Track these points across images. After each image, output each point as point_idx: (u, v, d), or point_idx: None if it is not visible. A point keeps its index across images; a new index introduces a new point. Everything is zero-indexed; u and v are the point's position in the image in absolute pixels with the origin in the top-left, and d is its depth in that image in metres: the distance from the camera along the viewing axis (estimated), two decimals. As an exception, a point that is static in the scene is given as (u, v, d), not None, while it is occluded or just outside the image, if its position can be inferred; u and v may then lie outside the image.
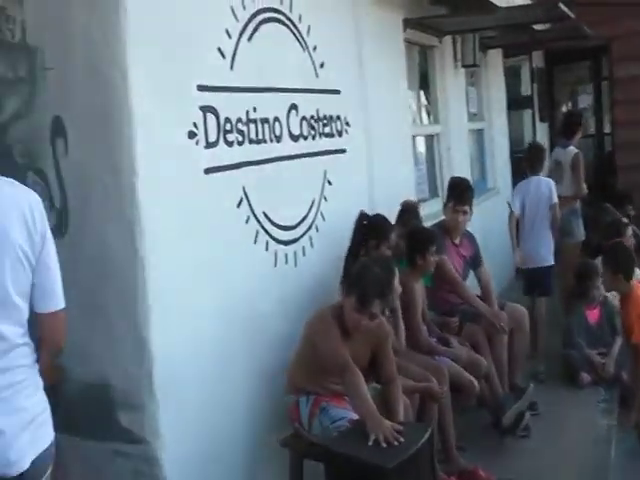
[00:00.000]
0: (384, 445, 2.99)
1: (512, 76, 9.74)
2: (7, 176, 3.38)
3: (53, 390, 2.42)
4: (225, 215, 3.46)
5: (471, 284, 5.12)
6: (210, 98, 3.33)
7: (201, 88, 3.28)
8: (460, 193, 5.02)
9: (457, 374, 4.17)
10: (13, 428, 2.10)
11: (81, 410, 3.27)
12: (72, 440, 3.26)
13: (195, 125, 3.25)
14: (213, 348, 3.34)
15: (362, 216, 4.19)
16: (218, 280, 3.38)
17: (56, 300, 2.22)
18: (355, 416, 3.26)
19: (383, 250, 4.07)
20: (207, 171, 3.32)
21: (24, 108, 3.34)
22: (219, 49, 3.43)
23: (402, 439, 3.01)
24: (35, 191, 3.26)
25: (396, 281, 3.55)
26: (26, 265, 2.11)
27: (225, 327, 3.41)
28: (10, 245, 2.06)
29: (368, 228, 4.12)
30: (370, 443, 3.01)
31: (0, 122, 3.48)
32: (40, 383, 2.27)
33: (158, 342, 3.03)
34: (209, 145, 3.33)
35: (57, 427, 3.21)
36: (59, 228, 3.23)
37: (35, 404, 2.21)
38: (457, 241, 5.06)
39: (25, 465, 2.13)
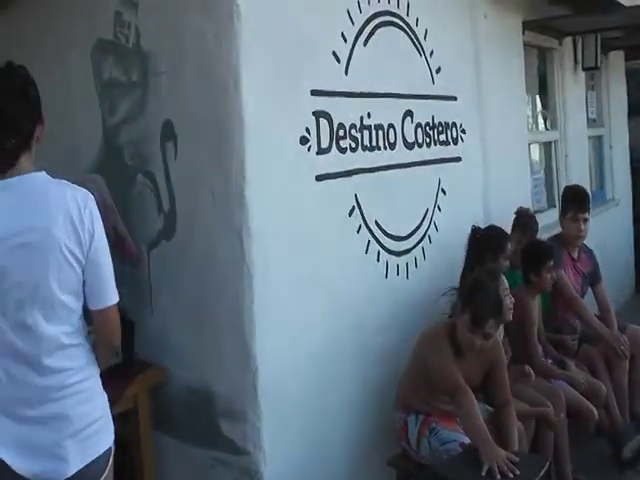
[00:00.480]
0: (498, 477, 2.80)
1: (633, 80, 9.22)
2: (116, 177, 3.46)
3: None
4: (336, 224, 3.35)
5: (587, 302, 4.81)
6: (324, 103, 3.23)
7: (315, 93, 3.18)
8: (580, 200, 4.73)
9: (575, 400, 3.90)
10: (60, 433, 2.10)
11: (183, 414, 3.27)
12: (173, 442, 3.28)
13: (308, 130, 3.15)
14: (320, 360, 3.24)
15: (475, 231, 3.98)
16: (326, 289, 3.28)
17: (106, 296, 2.20)
18: (466, 439, 3.09)
19: (500, 261, 3.85)
20: (319, 178, 3.21)
21: (136, 111, 3.34)
22: (334, 53, 3.31)
23: (517, 471, 2.82)
24: (143, 193, 3.32)
25: (507, 297, 3.34)
26: (74, 264, 2.09)
27: (333, 339, 3.31)
28: (54, 244, 2.05)
29: (483, 241, 3.90)
30: (483, 473, 2.83)
31: (112, 124, 3.51)
32: (98, 388, 2.25)
33: (263, 352, 2.96)
34: (321, 151, 3.22)
35: (157, 427, 3.27)
36: (167, 231, 3.22)
37: (89, 411, 2.18)
38: (575, 255, 4.75)
39: (70, 471, 2.12)
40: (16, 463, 2.06)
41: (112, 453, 2.27)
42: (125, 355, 3.21)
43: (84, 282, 2.15)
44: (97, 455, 2.19)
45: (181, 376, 3.24)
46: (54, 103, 2.89)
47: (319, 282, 3.22)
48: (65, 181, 2.17)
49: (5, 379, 2.07)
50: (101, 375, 2.30)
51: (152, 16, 3.20)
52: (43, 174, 2.12)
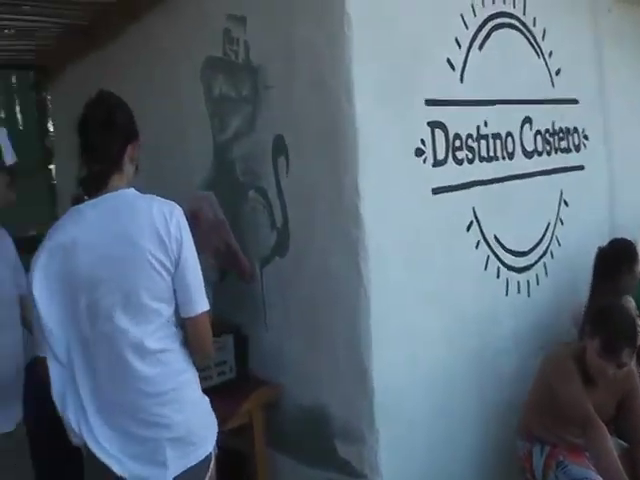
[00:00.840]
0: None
1: None
2: (228, 193, 3.44)
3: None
4: (454, 238, 3.18)
5: None
6: (439, 113, 3.08)
7: (429, 102, 3.04)
8: None
9: None
10: (159, 439, 2.15)
11: (298, 432, 3.20)
12: (288, 461, 3.23)
13: (423, 142, 3.01)
14: (438, 381, 3.09)
15: (602, 250, 3.70)
16: (445, 308, 3.12)
17: (196, 304, 2.24)
18: (598, 478, 2.84)
19: (636, 273, 3.58)
20: (435, 191, 3.07)
21: (247, 126, 3.31)
22: (448, 60, 3.17)
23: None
24: (256, 210, 3.29)
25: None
26: (163, 272, 2.16)
27: (451, 359, 3.15)
28: (140, 253, 2.12)
29: (614, 256, 3.63)
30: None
31: (224, 140, 3.50)
32: (197, 394, 2.28)
33: (380, 370, 2.84)
34: (437, 163, 3.08)
35: (272, 444, 3.21)
36: (280, 247, 3.17)
37: (188, 418, 2.21)
38: None
39: (169, 477, 2.17)
40: (118, 467, 2.12)
41: (213, 459, 2.28)
42: (239, 370, 3.20)
43: (175, 291, 2.21)
44: (197, 461, 2.22)
45: (296, 393, 3.18)
46: (168, 122, 2.94)
47: (436, 299, 3.08)
48: (153, 195, 2.23)
49: (105, 385, 2.14)
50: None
51: (261, 30, 3.17)
52: (132, 190, 2.23)
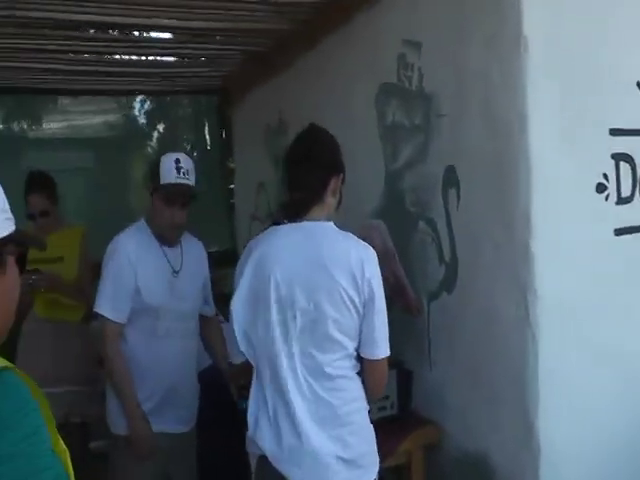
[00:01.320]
0: None
1: None
2: (398, 223, 3.36)
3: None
4: (636, 288, 2.82)
5: None
6: (625, 144, 2.77)
7: (614, 132, 2.75)
8: None
9: None
10: (332, 459, 2.26)
11: (457, 476, 3.05)
12: None
13: (605, 176, 2.72)
14: (616, 455, 2.75)
15: None
16: (627, 367, 2.78)
17: (378, 349, 2.33)
18: None
19: None
20: (618, 232, 2.76)
21: (418, 156, 3.23)
22: (638, 84, 2.89)
23: None
24: (425, 242, 3.18)
25: None
26: (352, 309, 2.27)
27: (630, 423, 2.80)
28: (334, 285, 2.25)
29: None
30: None
31: (394, 169, 3.44)
32: (366, 422, 2.37)
33: (547, 429, 2.61)
34: (622, 200, 2.77)
35: None
36: (448, 283, 3.05)
37: (358, 443, 2.31)
38: None
39: None
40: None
41: None
42: (401, 407, 3.11)
43: (360, 331, 2.31)
44: None
45: (458, 436, 3.03)
46: (341, 149, 2.89)
47: (617, 357, 2.74)
48: (349, 233, 2.36)
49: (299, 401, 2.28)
50: (375, 426, 2.40)
51: (435, 56, 3.07)
52: (331, 224, 2.37)
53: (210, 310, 3.32)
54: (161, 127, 6.98)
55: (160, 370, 2.99)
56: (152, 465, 2.96)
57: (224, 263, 6.01)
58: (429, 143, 3.14)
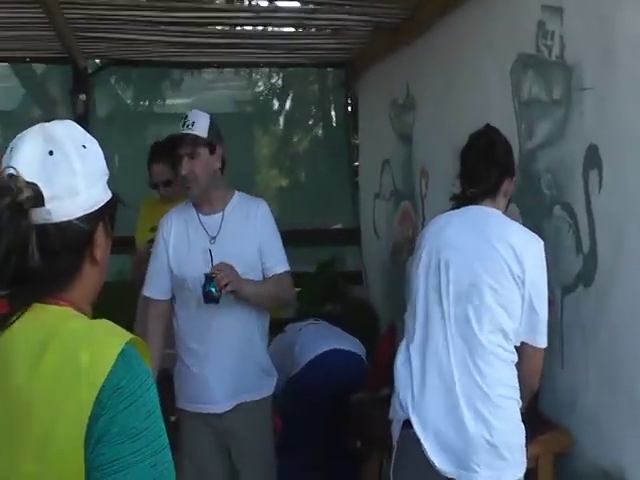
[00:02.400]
0: None
1: None
2: (531, 207, 3.08)
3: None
4: None
5: None
6: None
7: None
8: None
9: None
10: (472, 444, 2.25)
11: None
12: None
13: None
14: None
15: None
16: None
17: (538, 335, 2.38)
18: None
19: None
20: None
21: (556, 134, 2.94)
22: None
23: None
24: (561, 229, 2.89)
25: None
26: (512, 281, 2.32)
27: None
28: (495, 255, 2.35)
29: None
30: None
31: (529, 148, 3.16)
32: (518, 415, 2.36)
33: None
34: None
35: None
36: (586, 276, 2.76)
37: (508, 432, 2.29)
38: None
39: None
40: (437, 462, 2.30)
41: None
42: (527, 406, 2.84)
43: (522, 313, 2.36)
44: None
45: (589, 448, 2.73)
46: (472, 124, 2.66)
47: None
48: (518, 224, 2.52)
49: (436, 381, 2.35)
50: None
51: (578, 22, 2.76)
52: (497, 211, 2.51)
53: (279, 267, 3.04)
54: (286, 102, 6.91)
55: (204, 346, 2.94)
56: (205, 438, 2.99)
57: (347, 241, 5.91)
58: (569, 120, 2.84)
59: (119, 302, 4.28)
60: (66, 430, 1.12)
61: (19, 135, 1.28)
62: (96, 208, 1.29)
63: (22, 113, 7.48)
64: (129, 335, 1.23)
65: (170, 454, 1.19)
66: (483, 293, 2.31)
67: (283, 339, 4.12)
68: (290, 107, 6.98)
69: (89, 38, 4.93)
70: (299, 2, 4.87)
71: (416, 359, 2.41)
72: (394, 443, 2.45)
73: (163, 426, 1.20)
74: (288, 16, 4.79)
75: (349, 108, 6.09)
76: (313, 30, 5.16)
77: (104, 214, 1.33)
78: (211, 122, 2.99)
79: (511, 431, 2.31)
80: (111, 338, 1.20)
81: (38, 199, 1.20)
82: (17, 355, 1.18)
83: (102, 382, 1.13)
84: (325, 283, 5.28)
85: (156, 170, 3.93)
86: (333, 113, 6.55)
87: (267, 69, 6.75)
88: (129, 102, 6.57)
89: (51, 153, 1.24)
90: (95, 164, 1.32)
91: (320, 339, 3.96)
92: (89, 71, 5.59)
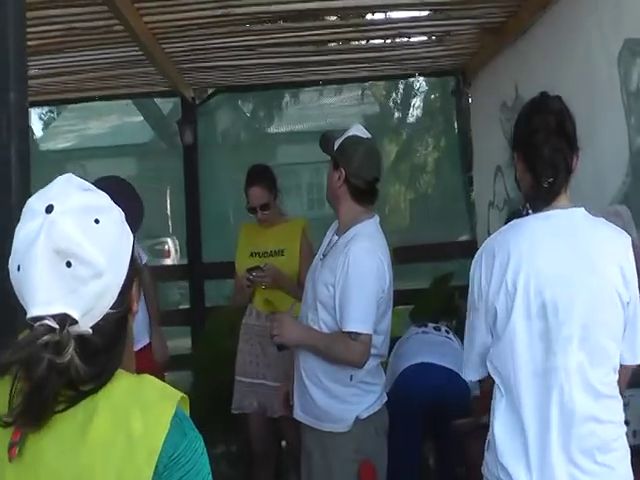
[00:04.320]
0: None
1: None
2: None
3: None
4: None
5: None
6: None
7: None
8: None
9: None
10: None
11: None
12: None
13: None
14: None
15: None
16: None
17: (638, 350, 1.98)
18: None
19: None
20: None
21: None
22: None
23: None
24: None
25: None
26: (619, 309, 1.91)
27: None
28: (605, 282, 1.91)
29: None
30: None
31: (640, 144, 2.82)
32: (628, 456, 1.97)
33: None
34: None
35: None
36: None
37: (626, 474, 1.96)
38: None
39: None
40: None
41: None
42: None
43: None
44: None
45: None
46: (578, 120, 2.40)
47: None
48: (602, 219, 2.02)
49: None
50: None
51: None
52: (582, 210, 2.00)
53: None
54: (399, 114, 6.75)
55: None
56: None
57: (464, 254, 5.63)
58: None
59: (231, 326, 4.30)
60: None
61: (23, 246, 1.12)
62: (125, 278, 1.19)
63: (152, 145, 7.88)
64: (177, 395, 1.18)
65: None
66: (597, 333, 1.92)
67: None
68: (403, 119, 6.82)
69: (192, 69, 5.00)
70: (405, 11, 4.74)
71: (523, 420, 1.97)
72: None
73: None
74: (396, 27, 4.68)
75: (462, 116, 5.84)
76: (422, 39, 5.01)
77: (133, 267, 1.22)
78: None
79: (628, 470, 2.01)
80: (162, 402, 1.16)
81: (72, 324, 1.11)
82: (65, 421, 1.13)
83: (158, 452, 1.11)
84: (440, 298, 5.05)
85: (252, 194, 3.88)
86: (446, 123, 6.29)
87: (382, 82, 6.62)
88: (238, 128, 6.63)
89: (69, 265, 1.10)
90: (114, 233, 1.18)
91: (418, 351, 3.75)
92: (197, 102, 5.66)
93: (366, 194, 2.78)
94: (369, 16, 5.02)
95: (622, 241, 1.97)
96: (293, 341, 2.79)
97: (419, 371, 3.57)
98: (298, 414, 2.83)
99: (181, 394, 1.19)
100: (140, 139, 9.06)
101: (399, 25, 4.66)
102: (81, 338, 1.12)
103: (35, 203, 1.14)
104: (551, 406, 1.91)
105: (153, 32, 4.05)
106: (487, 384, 2.13)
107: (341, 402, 2.70)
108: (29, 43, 3.53)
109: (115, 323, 1.18)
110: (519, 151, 2.07)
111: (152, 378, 1.20)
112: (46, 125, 15.63)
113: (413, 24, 4.63)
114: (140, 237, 1.96)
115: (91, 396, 1.13)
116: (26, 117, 1.96)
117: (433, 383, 3.48)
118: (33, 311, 1.10)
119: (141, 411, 1.13)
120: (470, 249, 5.38)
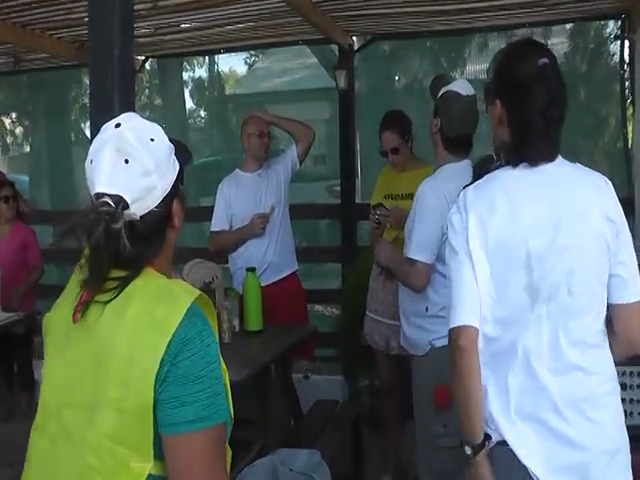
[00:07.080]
0: None
1: None
2: None
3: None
4: None
5: None
6: None
7: None
8: None
9: None
10: (585, 452, 1.88)
11: None
12: None
13: None
14: None
15: None
16: None
17: (636, 286, 1.96)
18: None
19: None
20: None
21: None
22: None
23: None
24: None
25: None
26: (606, 251, 1.92)
27: None
28: (591, 228, 1.92)
29: None
30: None
31: None
32: (621, 409, 1.97)
33: None
34: None
35: None
36: None
37: (619, 434, 1.94)
38: None
39: None
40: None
41: None
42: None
43: (609, 275, 1.96)
44: None
45: None
46: None
47: None
48: (579, 165, 2.03)
49: (523, 379, 1.92)
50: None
51: None
52: (560, 158, 2.01)
53: None
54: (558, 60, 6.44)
55: None
56: None
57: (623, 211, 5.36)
58: None
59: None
60: (142, 368, 1.39)
61: (95, 147, 1.49)
62: (170, 189, 1.52)
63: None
64: (196, 292, 1.48)
65: (226, 400, 1.45)
66: (587, 280, 1.92)
67: None
68: (562, 66, 6.51)
69: (346, 17, 5.14)
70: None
71: (509, 372, 1.97)
72: None
73: (220, 375, 1.45)
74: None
75: (626, 62, 5.51)
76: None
77: (177, 187, 1.55)
78: None
79: (622, 431, 1.99)
80: (182, 296, 1.46)
81: (125, 208, 1.43)
82: (109, 306, 1.45)
83: (172, 333, 1.39)
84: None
85: (384, 138, 4.09)
86: (607, 69, 5.97)
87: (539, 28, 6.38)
88: (393, 75, 6.70)
89: (127, 162, 1.45)
90: (163, 151, 1.52)
91: None
92: (355, 48, 5.80)
93: (458, 146, 3.08)
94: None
95: (602, 181, 2.01)
96: (383, 261, 3.40)
97: None
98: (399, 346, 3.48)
99: (200, 292, 1.48)
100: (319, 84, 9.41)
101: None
102: (130, 224, 1.43)
103: (108, 122, 1.51)
104: (535, 356, 1.91)
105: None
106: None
107: (419, 329, 3.12)
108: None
109: (157, 220, 1.50)
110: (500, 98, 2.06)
111: (181, 281, 1.53)
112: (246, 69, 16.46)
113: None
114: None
115: (131, 288, 1.45)
116: (131, 71, 2.26)
117: None
118: (97, 188, 1.45)
119: (165, 302, 1.44)
120: (628, 206, 5.15)
